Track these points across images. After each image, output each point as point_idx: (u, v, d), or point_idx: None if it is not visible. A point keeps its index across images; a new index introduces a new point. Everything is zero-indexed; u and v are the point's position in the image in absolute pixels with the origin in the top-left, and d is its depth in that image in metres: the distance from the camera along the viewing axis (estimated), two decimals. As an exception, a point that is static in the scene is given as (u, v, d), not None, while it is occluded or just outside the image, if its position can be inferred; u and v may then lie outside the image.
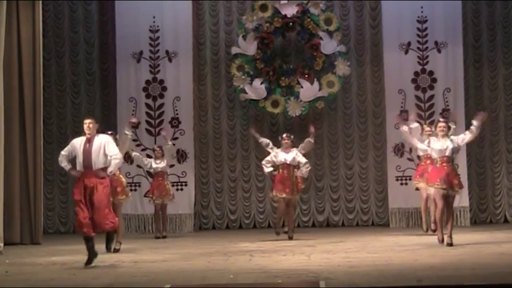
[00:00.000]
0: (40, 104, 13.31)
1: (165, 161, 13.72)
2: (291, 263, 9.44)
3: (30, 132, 13.15)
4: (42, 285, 8.31)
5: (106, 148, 9.68)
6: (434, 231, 11.80)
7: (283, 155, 12.74)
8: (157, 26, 15.15)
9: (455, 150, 11.09)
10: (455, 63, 14.77)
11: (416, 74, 14.84)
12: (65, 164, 9.85)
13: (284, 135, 12.91)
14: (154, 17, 15.15)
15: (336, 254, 10.30)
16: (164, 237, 13.59)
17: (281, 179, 12.67)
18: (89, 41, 15.70)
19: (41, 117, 13.39)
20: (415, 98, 14.82)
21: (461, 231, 13.44)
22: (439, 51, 14.81)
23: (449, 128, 11.31)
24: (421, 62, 14.84)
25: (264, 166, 12.93)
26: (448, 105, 14.72)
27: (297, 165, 12.80)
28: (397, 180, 14.70)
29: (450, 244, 10.75)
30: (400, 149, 14.70)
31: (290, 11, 15.06)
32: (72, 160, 9.82)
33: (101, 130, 15.17)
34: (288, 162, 12.69)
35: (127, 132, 11.52)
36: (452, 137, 11.14)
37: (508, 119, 15.23)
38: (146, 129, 15.05)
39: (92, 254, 9.53)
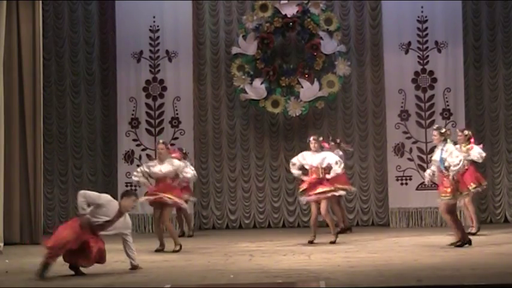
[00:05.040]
0: (40, 104, 13.30)
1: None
2: (291, 263, 9.45)
3: (30, 132, 13.13)
4: (42, 285, 8.31)
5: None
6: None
7: (310, 159, 11.88)
8: (157, 26, 15.14)
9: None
10: (455, 63, 14.76)
11: (416, 73, 14.83)
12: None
13: (311, 139, 11.97)
14: (154, 17, 15.14)
15: (336, 254, 10.30)
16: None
17: (310, 183, 11.81)
18: (89, 41, 15.68)
19: (41, 117, 13.37)
20: (415, 98, 14.81)
21: (462, 231, 13.45)
22: (439, 51, 14.80)
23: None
24: (421, 62, 14.83)
25: (291, 168, 12.03)
26: (448, 105, 14.71)
27: (328, 166, 11.97)
28: (397, 180, 14.69)
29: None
30: (400, 149, 14.69)
31: (290, 10, 15.05)
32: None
33: (101, 130, 15.46)
34: (315, 165, 11.83)
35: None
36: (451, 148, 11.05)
37: (508, 119, 15.21)
38: (146, 129, 15.04)
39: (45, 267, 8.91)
